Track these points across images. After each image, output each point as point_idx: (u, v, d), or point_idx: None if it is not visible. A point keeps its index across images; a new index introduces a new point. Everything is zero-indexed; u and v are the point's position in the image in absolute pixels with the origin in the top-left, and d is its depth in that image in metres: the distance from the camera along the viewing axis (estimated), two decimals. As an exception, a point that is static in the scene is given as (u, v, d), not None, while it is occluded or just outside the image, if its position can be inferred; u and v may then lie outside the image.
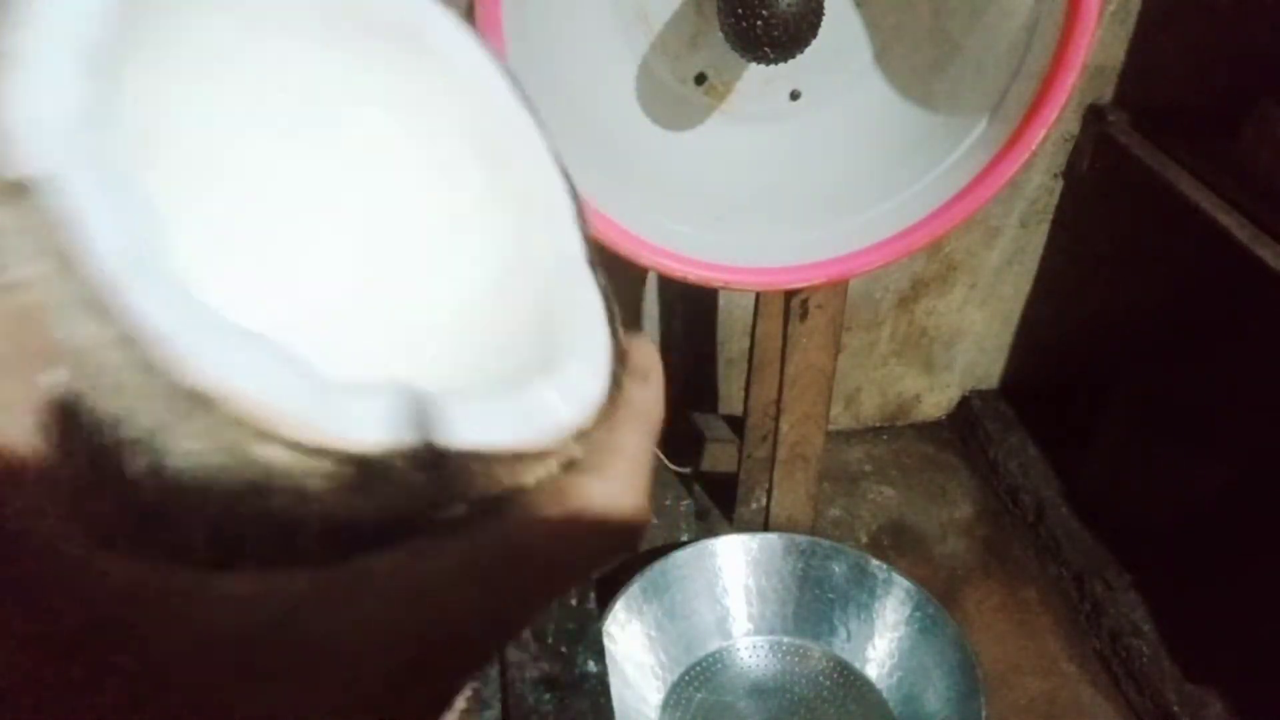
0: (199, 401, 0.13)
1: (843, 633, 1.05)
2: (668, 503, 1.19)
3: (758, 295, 1.06)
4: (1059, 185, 1.31)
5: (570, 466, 0.18)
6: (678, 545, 1.06)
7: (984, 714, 0.93)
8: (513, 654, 0.53)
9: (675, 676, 1.02)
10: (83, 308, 0.13)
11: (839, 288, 0.97)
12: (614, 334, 0.21)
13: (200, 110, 0.21)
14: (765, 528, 1.14)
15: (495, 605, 0.16)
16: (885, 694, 1.02)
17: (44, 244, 0.14)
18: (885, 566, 1.04)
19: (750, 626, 1.07)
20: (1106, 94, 1.23)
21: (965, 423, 1.50)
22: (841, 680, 1.04)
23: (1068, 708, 1.13)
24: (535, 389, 0.18)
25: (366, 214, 0.25)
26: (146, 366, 0.13)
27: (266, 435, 0.14)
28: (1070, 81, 0.68)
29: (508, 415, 0.17)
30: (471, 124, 0.25)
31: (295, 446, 0.14)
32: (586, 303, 0.22)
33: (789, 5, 0.64)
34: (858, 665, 1.04)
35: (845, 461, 1.44)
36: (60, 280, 0.13)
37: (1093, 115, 1.23)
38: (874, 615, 1.04)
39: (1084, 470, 1.33)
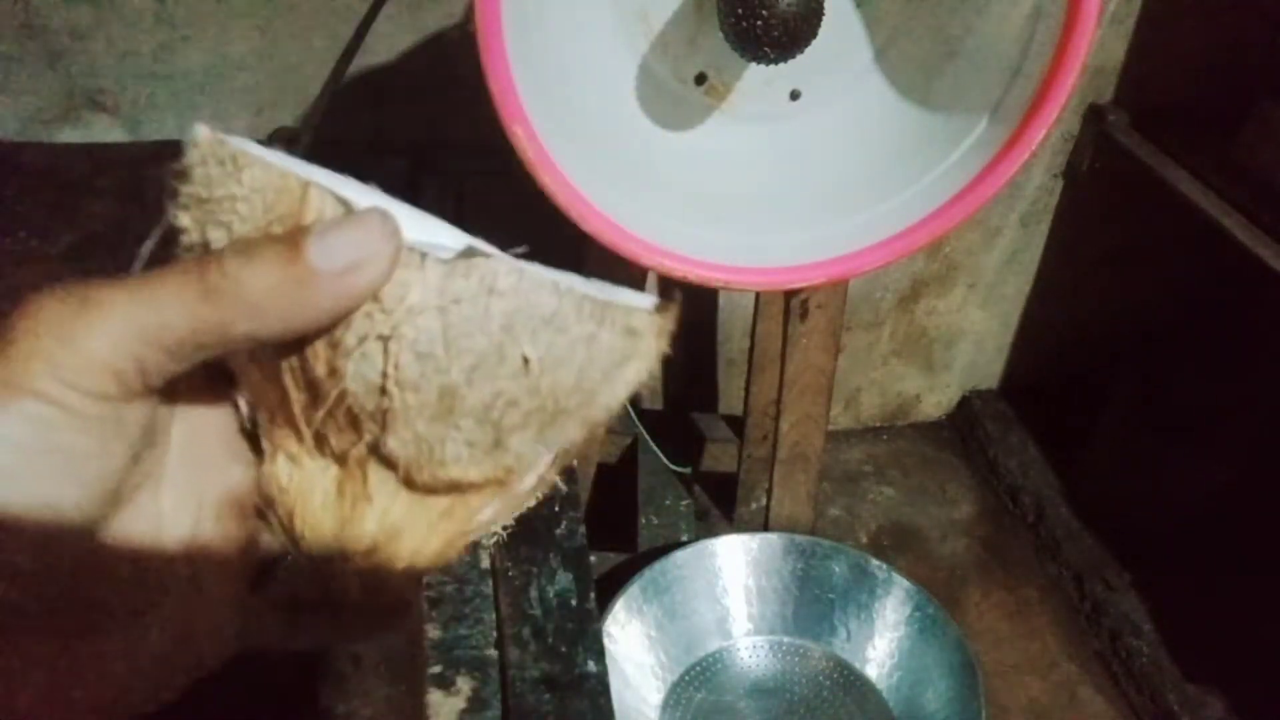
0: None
1: (843, 633, 1.05)
2: (668, 503, 1.19)
3: (758, 295, 1.05)
4: (1059, 185, 1.31)
5: None
6: (678, 545, 1.06)
7: (984, 714, 0.93)
8: (513, 654, 0.53)
9: (675, 676, 1.02)
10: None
11: (839, 288, 0.97)
12: None
13: None
14: (765, 528, 1.14)
15: None
16: (885, 694, 1.02)
17: None
18: (885, 566, 1.04)
19: (750, 626, 1.07)
20: (1106, 94, 1.23)
21: (965, 423, 1.50)
22: (841, 680, 1.04)
23: (1068, 708, 1.13)
24: None
25: None
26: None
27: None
28: (1070, 81, 0.68)
29: None
30: None
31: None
32: None
33: (789, 5, 0.64)
34: (858, 665, 1.04)
35: (845, 461, 1.44)
36: None
37: (1093, 115, 1.23)
38: (874, 615, 1.04)
39: (1084, 470, 1.33)
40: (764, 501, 1.15)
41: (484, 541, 0.59)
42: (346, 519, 0.24)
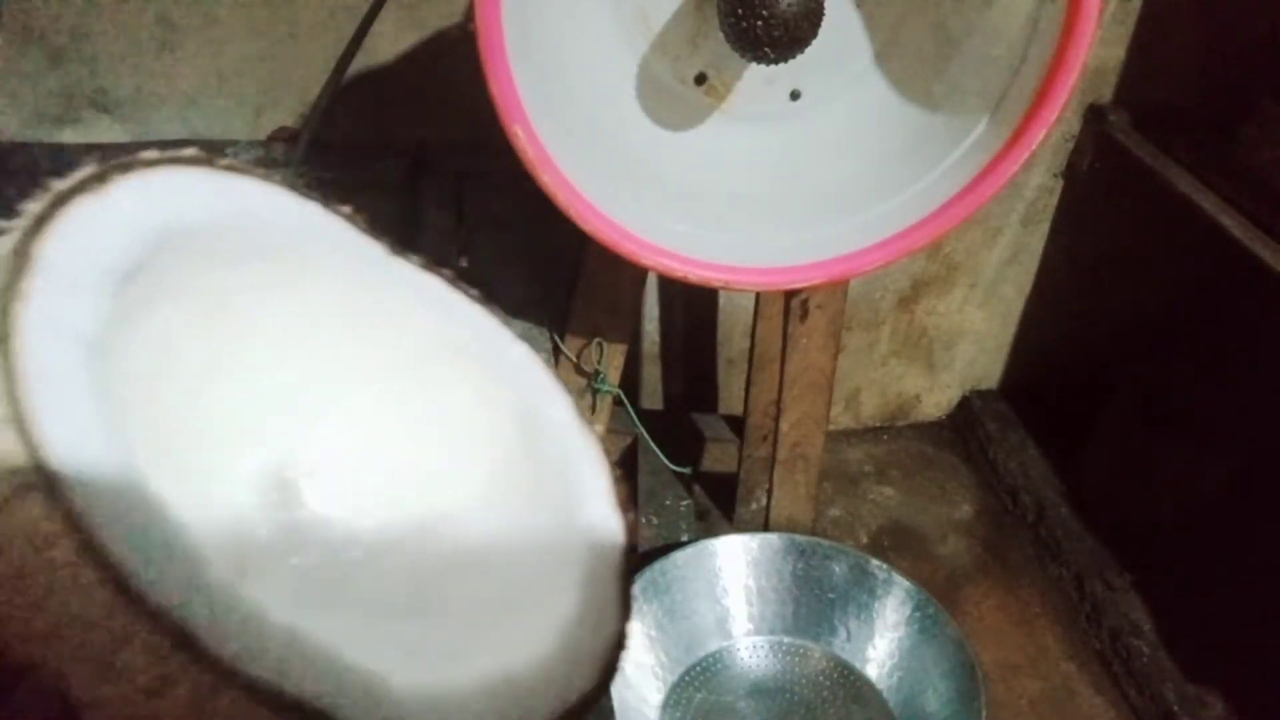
0: None
1: (843, 633, 1.05)
2: (668, 503, 1.19)
3: (758, 295, 1.05)
4: (1059, 185, 1.31)
5: None
6: (678, 545, 1.06)
7: (984, 714, 0.93)
8: (513, 654, 0.53)
9: (675, 677, 1.02)
10: None
11: (839, 288, 0.97)
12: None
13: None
14: (765, 528, 1.14)
15: None
16: (885, 694, 1.02)
17: None
18: (885, 567, 1.04)
19: (750, 626, 1.07)
20: (1106, 94, 1.23)
21: (965, 423, 1.50)
22: (841, 680, 1.04)
23: (1068, 708, 1.13)
24: None
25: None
26: None
27: None
28: (1070, 81, 0.68)
29: None
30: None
31: None
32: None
33: (789, 5, 0.64)
34: (858, 665, 1.04)
35: (845, 461, 1.44)
36: None
37: (1093, 115, 1.23)
38: (874, 615, 1.04)
39: (1084, 470, 1.33)
40: (764, 501, 1.16)
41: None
42: None
